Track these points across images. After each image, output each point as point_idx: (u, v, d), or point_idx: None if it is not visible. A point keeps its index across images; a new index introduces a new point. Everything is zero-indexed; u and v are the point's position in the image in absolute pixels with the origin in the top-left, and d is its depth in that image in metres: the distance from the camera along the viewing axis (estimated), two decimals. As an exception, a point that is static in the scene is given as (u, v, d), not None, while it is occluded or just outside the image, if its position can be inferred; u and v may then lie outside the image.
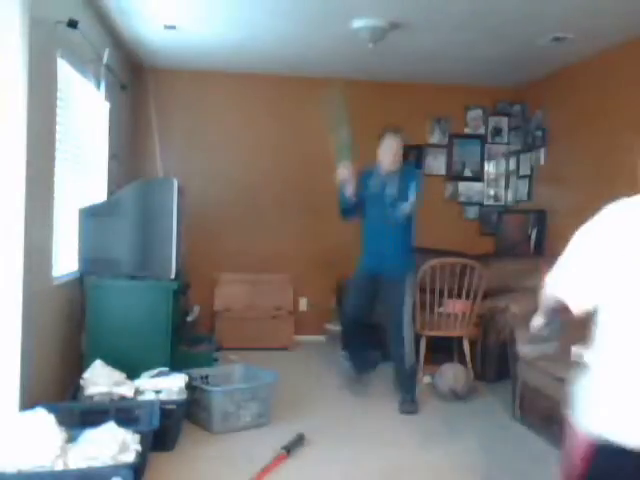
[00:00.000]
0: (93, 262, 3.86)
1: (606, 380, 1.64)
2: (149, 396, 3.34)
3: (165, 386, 3.39)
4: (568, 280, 1.74)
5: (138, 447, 2.64)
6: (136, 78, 5.85)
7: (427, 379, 4.57)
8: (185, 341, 4.61)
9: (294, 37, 4.85)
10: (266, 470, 3.03)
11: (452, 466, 3.22)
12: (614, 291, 1.62)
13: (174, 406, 3.28)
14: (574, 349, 3.63)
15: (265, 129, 6.13)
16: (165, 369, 3.59)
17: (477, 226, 6.44)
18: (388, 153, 4.01)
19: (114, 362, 3.48)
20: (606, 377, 1.64)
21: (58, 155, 3.52)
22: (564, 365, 3.55)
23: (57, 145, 3.51)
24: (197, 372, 3.85)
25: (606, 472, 1.63)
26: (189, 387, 3.49)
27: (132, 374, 3.46)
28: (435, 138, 6.37)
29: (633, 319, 1.58)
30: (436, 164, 6.38)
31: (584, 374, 1.69)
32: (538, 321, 1.96)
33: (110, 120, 4.83)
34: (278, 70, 5.95)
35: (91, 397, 3.27)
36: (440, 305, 4.56)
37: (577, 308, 1.69)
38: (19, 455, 2.44)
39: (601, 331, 1.65)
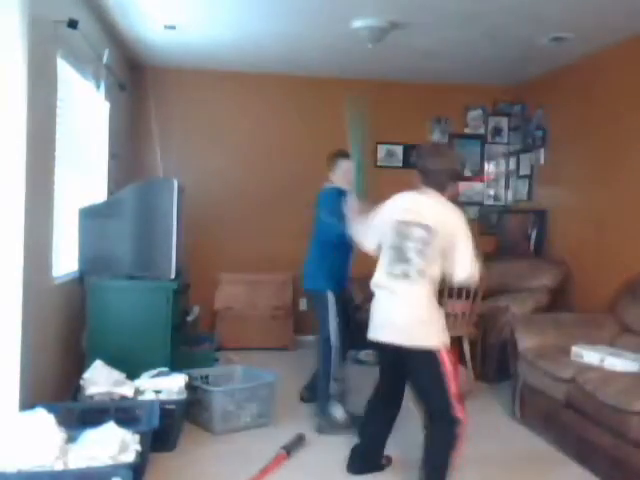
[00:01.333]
0: (93, 262, 3.86)
1: (373, 302, 2.88)
2: (149, 396, 3.34)
3: (165, 386, 3.39)
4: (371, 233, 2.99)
5: (138, 447, 2.64)
6: (136, 78, 5.85)
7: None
8: (185, 341, 4.60)
9: (294, 37, 4.85)
10: (266, 470, 3.03)
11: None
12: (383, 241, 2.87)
13: (174, 406, 3.28)
14: (574, 348, 3.64)
15: (265, 129, 6.13)
16: (165, 369, 3.59)
17: (477, 226, 6.44)
18: (349, 177, 3.70)
19: (114, 362, 3.48)
20: (373, 301, 2.88)
21: (58, 155, 3.52)
22: (564, 365, 3.56)
23: (57, 145, 3.51)
24: (197, 372, 3.85)
25: (382, 358, 3.02)
26: (189, 387, 3.49)
27: (132, 374, 3.46)
28: (435, 138, 6.36)
29: (385, 258, 2.84)
30: (436, 164, 6.37)
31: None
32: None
33: (110, 120, 4.83)
34: (278, 70, 5.95)
35: (91, 397, 3.27)
36: (440, 305, 4.55)
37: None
38: (19, 455, 2.44)
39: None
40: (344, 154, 3.82)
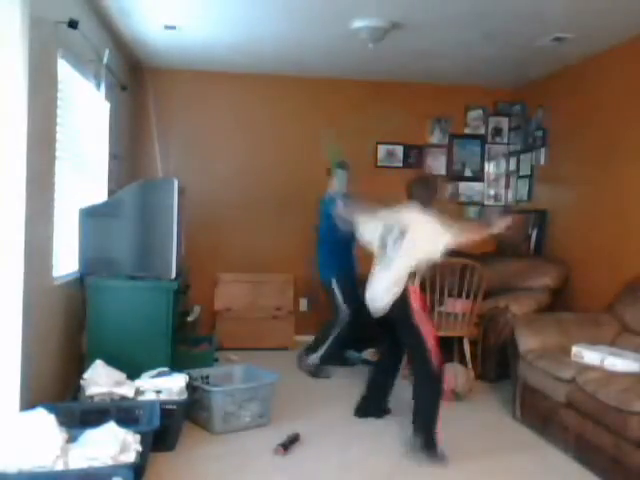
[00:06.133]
0: (93, 262, 3.86)
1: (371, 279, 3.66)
2: (149, 396, 3.34)
3: (165, 386, 3.39)
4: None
5: (138, 447, 2.65)
6: (136, 78, 5.85)
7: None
8: (185, 341, 4.61)
9: (294, 37, 4.85)
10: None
11: (451, 466, 3.22)
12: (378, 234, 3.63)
13: (174, 406, 3.28)
14: (574, 349, 3.64)
15: (265, 129, 6.13)
16: (165, 369, 3.59)
17: (477, 226, 6.44)
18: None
19: (115, 362, 3.48)
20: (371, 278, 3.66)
21: (58, 155, 3.52)
22: (564, 365, 3.56)
23: (57, 145, 3.50)
24: (197, 372, 3.85)
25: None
26: (189, 387, 3.49)
27: (132, 374, 3.46)
28: (435, 138, 6.37)
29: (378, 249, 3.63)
30: (436, 164, 6.38)
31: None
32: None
33: (110, 120, 4.83)
34: (278, 70, 5.95)
35: (92, 397, 3.27)
36: (441, 304, 4.56)
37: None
38: (20, 455, 2.44)
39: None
40: (339, 165, 4.97)
